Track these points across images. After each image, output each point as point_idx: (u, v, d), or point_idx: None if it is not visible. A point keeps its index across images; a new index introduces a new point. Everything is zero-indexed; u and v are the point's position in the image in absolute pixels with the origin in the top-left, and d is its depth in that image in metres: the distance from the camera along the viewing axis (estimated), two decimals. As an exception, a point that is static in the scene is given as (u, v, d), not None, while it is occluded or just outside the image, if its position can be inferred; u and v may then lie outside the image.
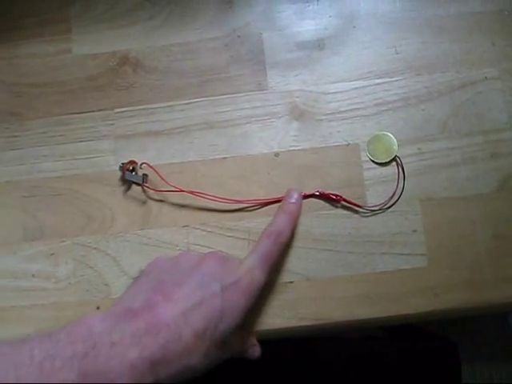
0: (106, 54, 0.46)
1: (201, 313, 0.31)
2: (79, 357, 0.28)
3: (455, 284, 0.41)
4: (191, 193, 0.42)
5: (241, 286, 0.33)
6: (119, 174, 0.43)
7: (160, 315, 0.30)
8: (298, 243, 0.42)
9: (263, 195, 0.42)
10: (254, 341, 0.38)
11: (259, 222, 0.42)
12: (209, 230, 0.42)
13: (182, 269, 0.34)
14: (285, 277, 0.41)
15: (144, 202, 0.43)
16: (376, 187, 0.42)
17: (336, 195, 0.42)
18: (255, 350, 0.38)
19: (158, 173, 0.42)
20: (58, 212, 0.43)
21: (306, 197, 0.42)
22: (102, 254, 0.42)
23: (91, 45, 0.46)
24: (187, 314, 0.31)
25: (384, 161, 0.42)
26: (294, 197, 0.40)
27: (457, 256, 0.41)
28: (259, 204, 0.42)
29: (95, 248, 0.43)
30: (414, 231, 0.41)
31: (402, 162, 0.42)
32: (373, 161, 0.42)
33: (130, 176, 0.42)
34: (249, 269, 0.34)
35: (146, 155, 0.44)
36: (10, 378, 0.26)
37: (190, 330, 0.30)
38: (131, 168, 0.43)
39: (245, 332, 0.38)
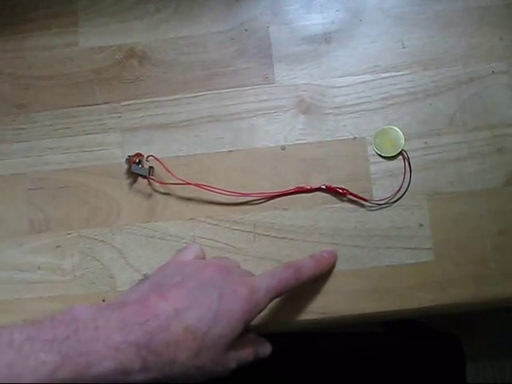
0: (112, 46, 0.46)
1: (194, 312, 0.31)
2: (60, 339, 0.28)
3: (461, 278, 0.40)
4: (197, 185, 0.42)
5: (240, 297, 0.32)
6: (125, 166, 0.43)
7: (150, 307, 0.30)
8: (303, 237, 0.42)
9: (269, 188, 0.42)
10: (260, 339, 0.37)
11: (265, 215, 0.42)
12: (214, 223, 0.42)
13: (184, 273, 0.34)
14: (290, 270, 0.41)
15: (150, 195, 0.43)
16: (382, 181, 0.42)
17: (342, 189, 0.41)
18: (266, 348, 0.37)
19: (164, 165, 0.42)
20: (64, 204, 0.43)
21: (311, 190, 0.42)
22: (107, 247, 0.42)
23: (98, 38, 0.46)
24: (179, 310, 0.31)
25: (390, 155, 0.42)
26: (330, 252, 0.40)
27: (463, 250, 0.41)
28: (265, 197, 0.42)
29: (101, 240, 0.43)
30: (421, 225, 0.41)
31: (410, 156, 0.42)
32: (379, 155, 0.42)
33: (137, 169, 0.42)
34: (255, 286, 0.34)
35: (152, 148, 0.44)
36: None
37: (180, 324, 0.30)
38: (137, 161, 0.43)
39: (248, 337, 0.37)
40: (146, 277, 0.38)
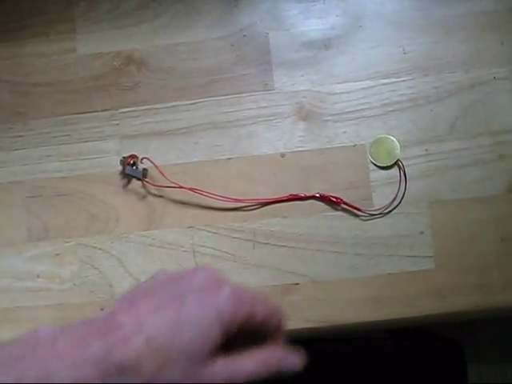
0: (110, 53, 0.45)
1: (156, 321, 0.29)
2: (16, 358, 0.27)
3: (463, 286, 0.40)
4: (190, 189, 0.41)
5: (213, 300, 0.29)
6: (120, 168, 0.43)
7: (112, 320, 0.29)
8: (303, 245, 0.41)
9: (269, 196, 0.42)
10: (282, 351, 0.31)
11: (264, 222, 0.42)
12: (214, 231, 0.42)
13: (158, 283, 0.32)
14: (290, 278, 0.41)
15: (148, 203, 0.43)
16: (382, 188, 0.42)
17: (336, 198, 0.41)
18: (290, 360, 0.30)
19: (157, 167, 0.42)
20: (62, 212, 0.43)
21: (305, 198, 0.42)
22: (106, 255, 0.42)
23: (96, 44, 0.45)
24: (141, 321, 0.28)
25: (386, 164, 0.42)
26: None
27: (465, 258, 0.40)
28: (258, 203, 0.42)
29: (100, 249, 0.42)
30: (421, 233, 0.41)
31: (410, 163, 0.42)
32: (375, 164, 0.42)
33: (130, 170, 0.42)
34: (233, 287, 0.30)
35: (150, 156, 0.43)
36: None
37: (142, 336, 0.28)
38: (132, 162, 0.42)
39: (261, 346, 0.31)
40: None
